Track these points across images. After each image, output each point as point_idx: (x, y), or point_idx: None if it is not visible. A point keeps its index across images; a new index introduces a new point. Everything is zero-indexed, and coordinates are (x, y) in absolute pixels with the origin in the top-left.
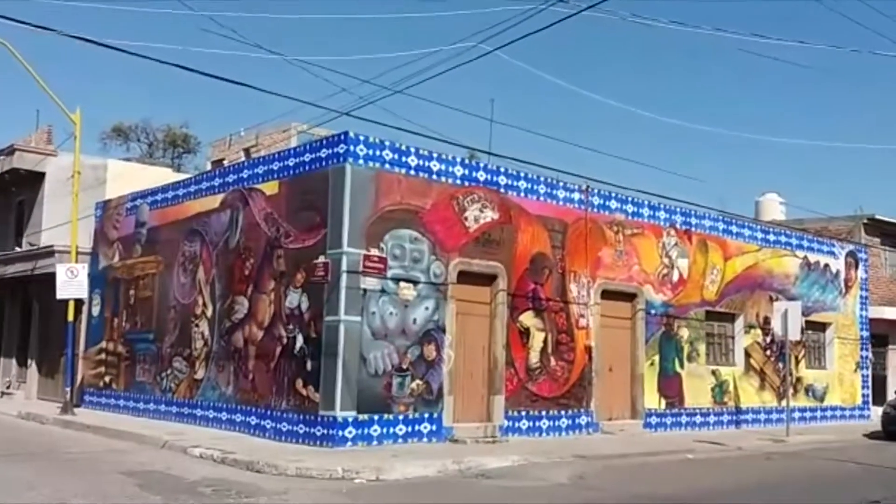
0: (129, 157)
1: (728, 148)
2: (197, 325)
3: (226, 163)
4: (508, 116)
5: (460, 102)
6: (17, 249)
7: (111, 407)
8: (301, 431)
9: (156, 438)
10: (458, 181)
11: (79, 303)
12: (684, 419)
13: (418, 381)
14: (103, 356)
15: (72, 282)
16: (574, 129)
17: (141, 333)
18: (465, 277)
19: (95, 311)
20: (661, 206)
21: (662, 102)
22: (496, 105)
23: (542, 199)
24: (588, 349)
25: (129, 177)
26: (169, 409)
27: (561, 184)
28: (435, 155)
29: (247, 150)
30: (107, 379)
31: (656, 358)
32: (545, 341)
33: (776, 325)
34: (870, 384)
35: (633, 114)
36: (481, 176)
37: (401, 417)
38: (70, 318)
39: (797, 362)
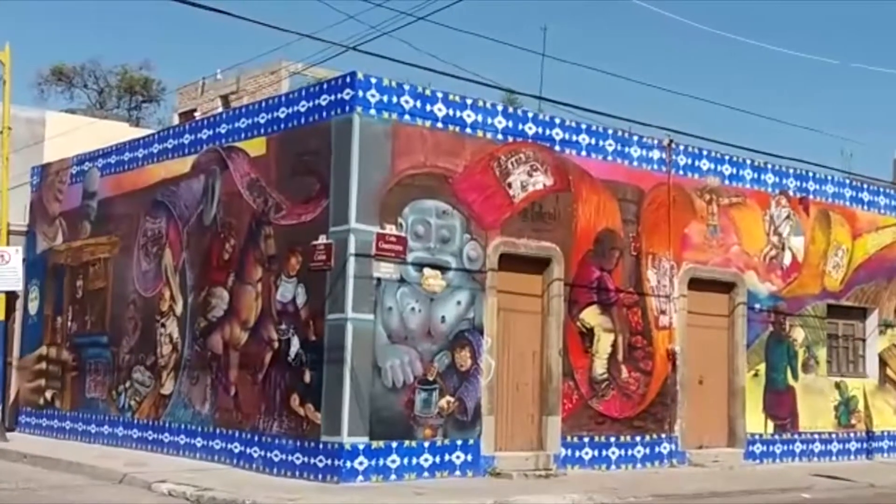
0: (74, 107)
1: (855, 87)
2: (163, 326)
3: (198, 115)
4: (566, 51)
5: (503, 32)
6: None
7: (54, 430)
8: (298, 462)
9: (112, 471)
10: (500, 136)
11: (11, 297)
12: (798, 447)
13: (449, 398)
14: (44, 365)
15: (2, 270)
16: (652, 67)
17: (92, 336)
18: (509, 262)
19: (33, 307)
20: (769, 166)
21: (767, 28)
22: (550, 35)
23: (610, 158)
24: (671, 355)
25: (75, 133)
26: (128, 432)
27: (635, 138)
28: (469, 102)
29: (225, 98)
30: (48, 395)
31: (762, 367)
32: (614, 345)
33: None
34: None
35: (729, 42)
36: (530, 129)
37: (426, 444)
38: (0, 316)
39: None
